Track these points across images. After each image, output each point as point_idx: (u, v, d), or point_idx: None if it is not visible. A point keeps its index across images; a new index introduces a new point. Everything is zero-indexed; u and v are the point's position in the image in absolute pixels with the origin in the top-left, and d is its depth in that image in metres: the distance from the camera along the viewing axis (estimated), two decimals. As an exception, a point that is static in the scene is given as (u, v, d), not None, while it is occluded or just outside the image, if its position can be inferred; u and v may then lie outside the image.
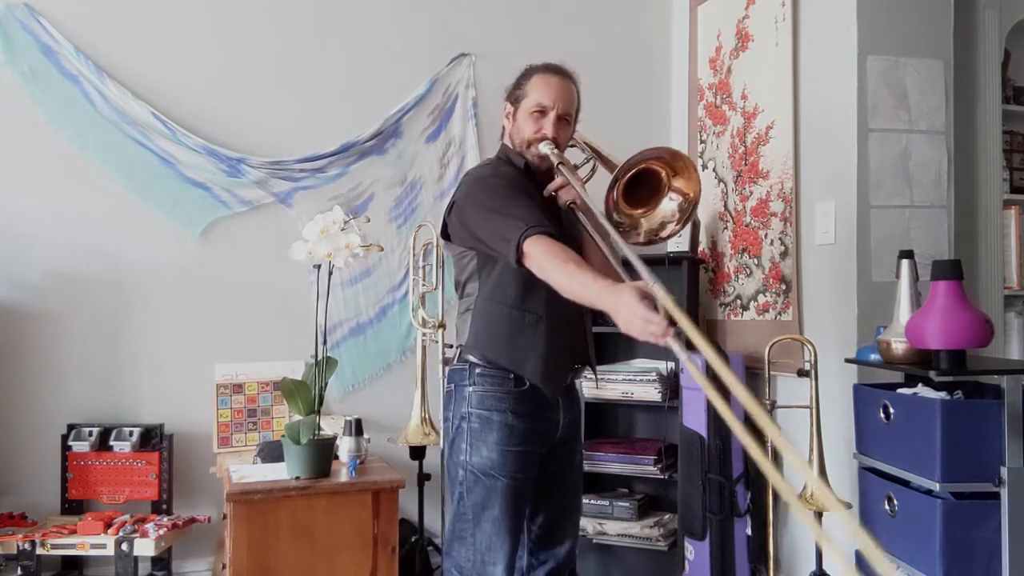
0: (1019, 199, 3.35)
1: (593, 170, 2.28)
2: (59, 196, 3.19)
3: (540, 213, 1.92)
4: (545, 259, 1.81)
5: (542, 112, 2.03)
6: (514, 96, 2.09)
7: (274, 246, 3.21)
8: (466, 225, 2.00)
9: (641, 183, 1.91)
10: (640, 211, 1.93)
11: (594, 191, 2.09)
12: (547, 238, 1.84)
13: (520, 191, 1.99)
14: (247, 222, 3.39)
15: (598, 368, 2.24)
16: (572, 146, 2.20)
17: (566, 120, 2.06)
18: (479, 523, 1.98)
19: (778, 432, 1.40)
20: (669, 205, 1.93)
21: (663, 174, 1.92)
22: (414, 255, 3.26)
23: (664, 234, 1.95)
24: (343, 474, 2.42)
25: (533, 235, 1.83)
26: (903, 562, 2.25)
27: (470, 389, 2.01)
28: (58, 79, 3.20)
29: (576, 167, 2.18)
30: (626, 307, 1.62)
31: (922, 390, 2.30)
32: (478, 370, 2.01)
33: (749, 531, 2.97)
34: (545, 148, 2.02)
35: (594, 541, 3.21)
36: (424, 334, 3.18)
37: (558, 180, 2.03)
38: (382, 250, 2.85)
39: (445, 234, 2.09)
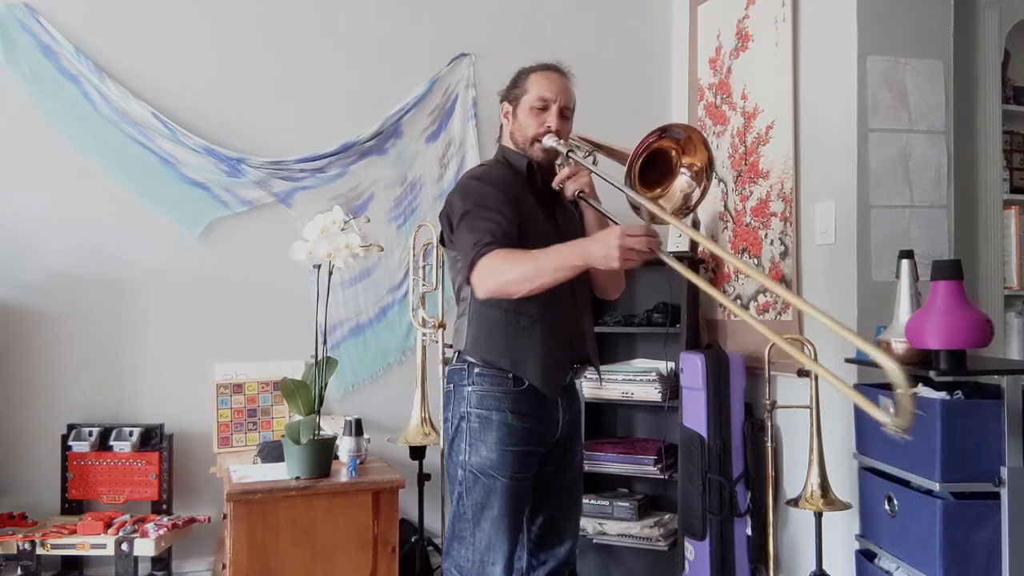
0: (1019, 199, 3.34)
1: (594, 164, 2.27)
2: (59, 196, 3.19)
3: (511, 219, 1.93)
4: (501, 267, 1.84)
5: (544, 107, 2.03)
6: (512, 95, 2.09)
7: (274, 246, 3.21)
8: (447, 236, 2.04)
9: (652, 165, 1.88)
10: (657, 192, 1.90)
11: (600, 188, 2.09)
12: (500, 250, 1.86)
13: (498, 197, 1.97)
14: (247, 222, 3.39)
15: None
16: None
17: (566, 115, 2.06)
18: (478, 523, 1.98)
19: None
20: (683, 179, 1.90)
21: (672, 151, 1.89)
22: (414, 255, 3.26)
23: (692, 204, 1.91)
24: (343, 474, 2.42)
25: (487, 253, 1.85)
26: (903, 562, 2.25)
27: (469, 389, 2.01)
28: (58, 79, 3.20)
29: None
30: (607, 239, 1.71)
31: (922, 390, 2.30)
32: (477, 370, 2.01)
33: (749, 531, 2.97)
34: (550, 141, 2.02)
35: (594, 541, 3.21)
36: (424, 334, 3.18)
37: (566, 171, 2.03)
38: (382, 250, 2.85)
39: (442, 240, 2.10)
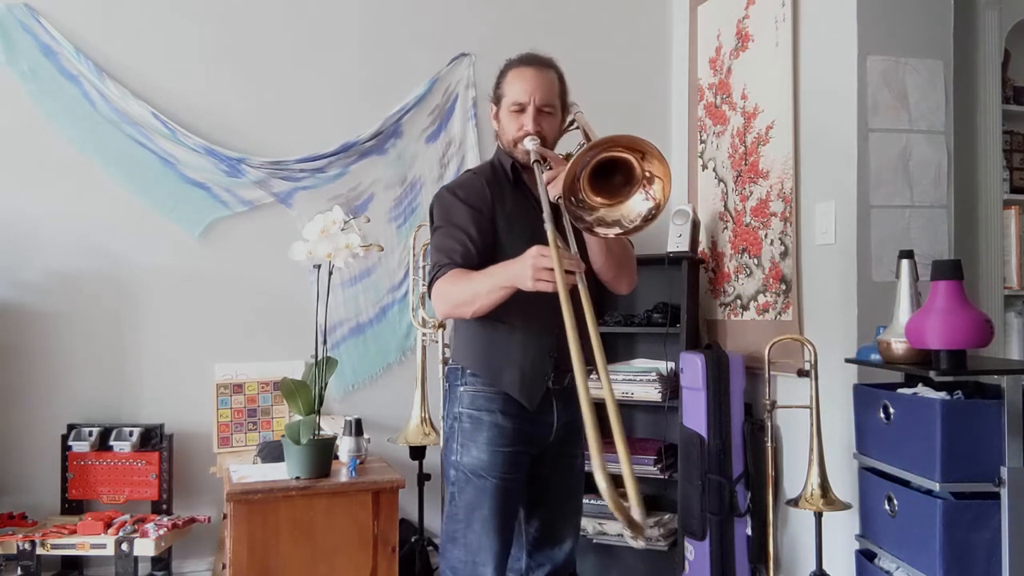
0: (1019, 199, 3.35)
1: None
2: (59, 196, 3.19)
3: (476, 237, 1.95)
4: (447, 292, 1.91)
5: (521, 109, 2.01)
6: (496, 96, 2.09)
7: (274, 246, 3.21)
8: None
9: (613, 172, 1.75)
10: (600, 200, 1.75)
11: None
12: (452, 273, 1.91)
13: (467, 212, 1.98)
14: (247, 222, 3.39)
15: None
16: (575, 128, 2.16)
17: (547, 111, 2.02)
18: (470, 524, 1.98)
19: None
20: (637, 206, 1.74)
21: (637, 172, 1.73)
22: (414, 255, 3.26)
23: (607, 233, 1.76)
24: (343, 474, 2.42)
25: (441, 276, 1.92)
26: (903, 562, 2.25)
27: (462, 389, 2.03)
28: (58, 79, 3.20)
29: (569, 155, 2.16)
30: (524, 260, 1.73)
31: (922, 390, 2.30)
32: (469, 370, 2.02)
33: (749, 531, 2.97)
34: (529, 144, 1.99)
35: (594, 541, 3.21)
36: (424, 334, 3.19)
37: (542, 178, 1.99)
38: (382, 250, 2.84)
39: None
